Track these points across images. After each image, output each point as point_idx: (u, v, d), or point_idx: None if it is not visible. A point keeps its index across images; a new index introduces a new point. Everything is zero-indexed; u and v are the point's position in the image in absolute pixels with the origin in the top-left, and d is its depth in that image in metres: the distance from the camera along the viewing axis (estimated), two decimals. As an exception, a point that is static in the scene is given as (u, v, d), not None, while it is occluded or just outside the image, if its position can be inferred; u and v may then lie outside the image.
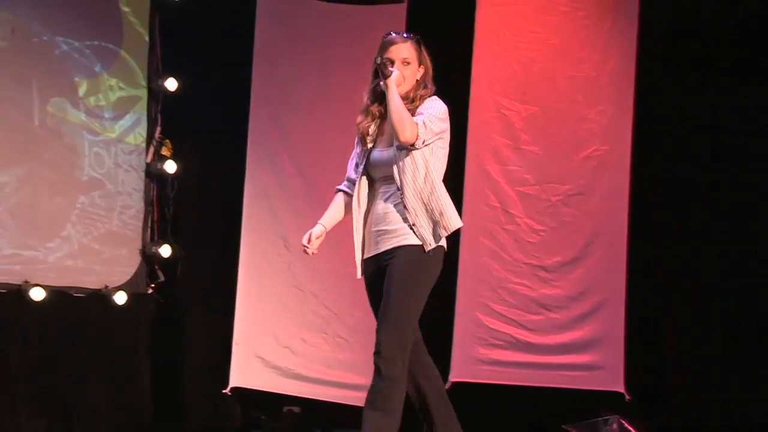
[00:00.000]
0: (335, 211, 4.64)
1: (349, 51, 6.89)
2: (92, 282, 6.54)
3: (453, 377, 6.82)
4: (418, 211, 4.45)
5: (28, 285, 6.26)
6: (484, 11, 7.01)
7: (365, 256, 4.54)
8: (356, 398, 6.66)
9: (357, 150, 4.63)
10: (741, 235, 6.90)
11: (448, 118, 4.62)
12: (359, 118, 4.60)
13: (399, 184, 4.44)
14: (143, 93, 6.84)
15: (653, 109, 6.99)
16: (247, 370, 6.73)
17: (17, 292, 6.25)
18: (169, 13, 6.88)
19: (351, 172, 4.64)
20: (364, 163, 4.56)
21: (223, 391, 6.71)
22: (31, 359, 6.32)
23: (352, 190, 4.59)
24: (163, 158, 6.82)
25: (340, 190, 4.68)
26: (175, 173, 6.82)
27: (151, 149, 6.83)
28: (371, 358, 6.34)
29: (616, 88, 7.01)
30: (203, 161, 6.94)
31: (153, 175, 6.81)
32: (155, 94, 6.84)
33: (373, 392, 4.39)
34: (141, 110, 6.83)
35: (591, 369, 6.86)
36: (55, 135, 6.47)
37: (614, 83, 7.01)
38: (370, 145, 4.57)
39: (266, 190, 6.87)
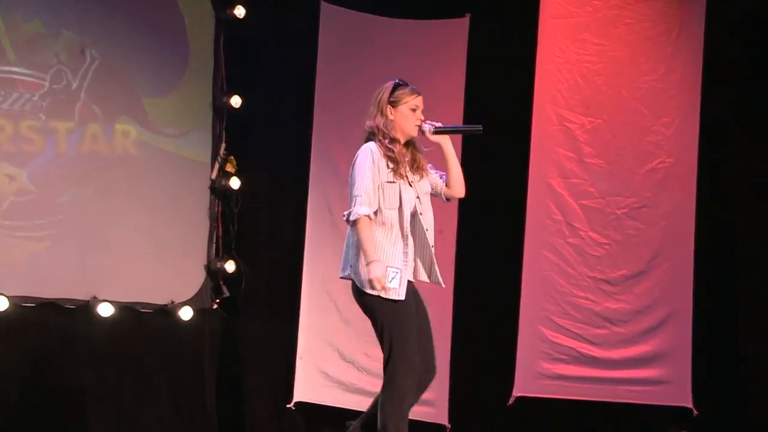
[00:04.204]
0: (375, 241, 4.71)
1: (412, 65, 6.90)
2: (158, 297, 6.61)
3: (516, 392, 6.79)
4: (434, 253, 4.77)
5: (96, 300, 6.36)
6: (547, 24, 6.98)
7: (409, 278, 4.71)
8: (420, 413, 6.65)
9: (386, 178, 4.67)
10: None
11: None
12: (393, 147, 4.69)
13: (429, 223, 4.74)
14: (208, 109, 6.91)
15: (720, 120, 6.91)
16: (311, 384, 6.76)
17: (85, 308, 6.35)
18: (233, 29, 6.95)
19: (377, 200, 4.67)
20: (399, 192, 4.68)
21: (287, 406, 6.75)
22: (98, 374, 6.40)
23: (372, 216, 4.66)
24: (228, 174, 6.88)
25: (368, 216, 4.66)
26: (239, 189, 6.88)
27: (216, 165, 6.89)
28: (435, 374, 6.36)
29: (682, 99, 6.95)
30: (267, 177, 6.98)
31: (217, 191, 6.87)
32: (219, 110, 6.91)
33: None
34: (206, 126, 6.91)
35: (658, 384, 6.79)
36: (120, 153, 6.58)
37: (680, 94, 6.95)
38: (399, 180, 4.69)
39: (329, 205, 6.90)
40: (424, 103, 4.78)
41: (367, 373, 6.78)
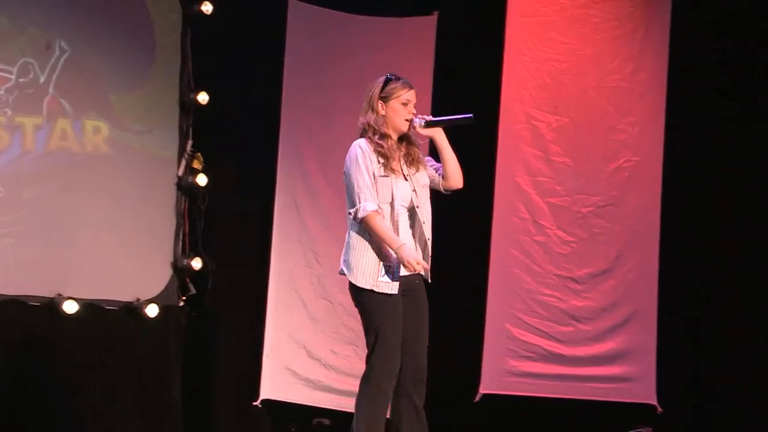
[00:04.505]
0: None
1: (379, 63, 6.89)
2: (124, 295, 6.58)
3: (483, 389, 6.82)
4: (431, 246, 4.78)
5: (61, 298, 6.32)
6: (514, 22, 7.01)
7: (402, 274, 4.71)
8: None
9: (378, 172, 4.69)
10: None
11: None
12: (383, 143, 4.71)
13: (425, 217, 4.75)
14: (175, 106, 6.88)
15: (685, 119, 6.96)
16: (278, 382, 6.76)
17: (49, 305, 6.31)
18: (201, 26, 6.92)
19: (377, 196, 4.68)
20: (398, 189, 4.71)
21: (254, 403, 6.74)
22: (62, 372, 6.37)
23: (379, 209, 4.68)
24: (194, 171, 6.85)
25: (376, 211, 4.66)
26: (206, 186, 6.85)
27: (182, 162, 6.86)
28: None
29: (648, 98, 7.00)
30: (234, 174, 6.97)
31: (184, 188, 6.84)
32: (186, 107, 6.87)
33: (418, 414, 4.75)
34: (172, 123, 6.88)
35: (622, 381, 6.84)
36: (91, 150, 6.53)
37: (646, 94, 7.00)
38: (391, 174, 4.71)
39: (296, 203, 6.90)
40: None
41: (334, 371, 6.79)
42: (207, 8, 6.87)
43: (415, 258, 4.61)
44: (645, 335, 6.82)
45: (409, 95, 4.76)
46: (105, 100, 6.60)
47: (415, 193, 4.74)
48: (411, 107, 4.76)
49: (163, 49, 6.84)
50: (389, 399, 4.67)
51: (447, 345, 6.95)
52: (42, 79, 6.42)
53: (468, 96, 6.96)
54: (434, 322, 6.91)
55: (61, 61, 6.46)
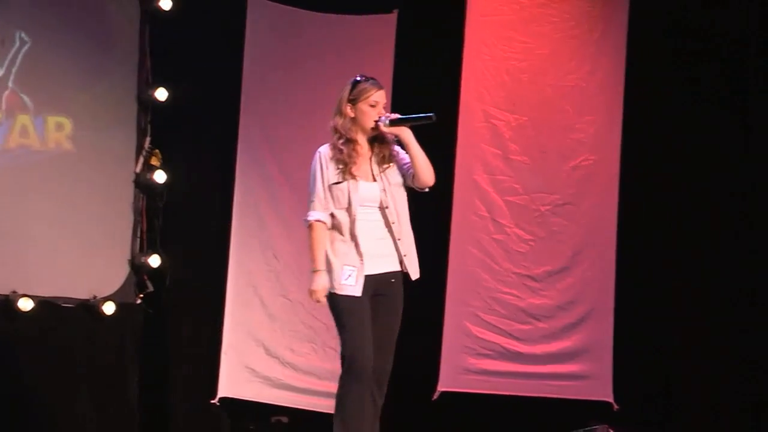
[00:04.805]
0: (325, 248, 4.77)
1: (339, 61, 6.91)
2: (80, 292, 6.53)
3: (441, 387, 6.84)
4: (409, 244, 4.80)
5: (16, 295, 6.26)
6: (473, 21, 7.03)
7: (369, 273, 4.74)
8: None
9: (337, 180, 4.74)
10: (732, 242, 6.91)
11: None
12: (342, 149, 4.75)
13: (395, 217, 4.76)
14: (133, 102, 6.84)
15: (642, 118, 7.01)
16: (236, 380, 6.73)
17: (4, 302, 6.25)
18: (159, 23, 6.87)
19: (328, 202, 4.75)
20: (356, 193, 4.73)
21: (211, 401, 6.71)
22: (17, 370, 6.31)
23: (329, 220, 4.75)
24: (153, 168, 6.82)
25: (320, 222, 4.77)
26: (164, 183, 6.82)
27: (140, 159, 6.82)
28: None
29: (605, 98, 7.04)
30: (192, 171, 6.93)
31: (142, 185, 6.80)
32: (144, 103, 6.83)
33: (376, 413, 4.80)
34: (131, 119, 6.83)
35: (579, 378, 6.89)
36: (53, 148, 6.46)
37: (603, 93, 7.04)
38: (349, 180, 4.74)
39: (255, 201, 6.88)
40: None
41: (292, 369, 6.79)
42: (165, 4, 6.83)
43: (314, 290, 4.70)
44: (602, 333, 6.86)
45: (377, 96, 4.77)
46: (68, 95, 6.50)
47: (385, 192, 4.76)
48: (380, 108, 4.77)
49: (121, 45, 6.79)
50: (363, 399, 4.70)
51: (406, 342, 6.96)
52: (1, 73, 6.31)
53: (428, 94, 6.98)
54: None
55: (21, 53, 6.34)
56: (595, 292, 6.92)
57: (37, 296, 6.32)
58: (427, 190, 4.86)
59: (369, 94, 4.76)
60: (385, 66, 6.96)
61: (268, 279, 6.84)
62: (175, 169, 6.85)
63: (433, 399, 6.85)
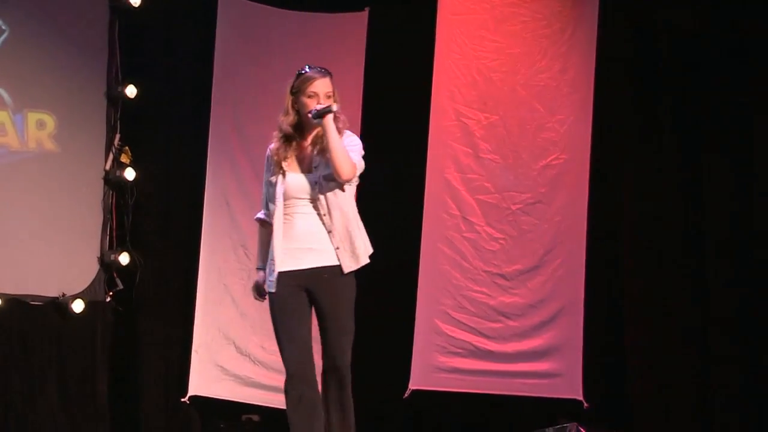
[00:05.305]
0: (267, 247, 4.79)
1: (310, 59, 6.82)
2: (49, 290, 6.48)
3: (412, 385, 6.83)
4: (342, 236, 4.69)
5: (-17, 293, 6.23)
6: (444, 20, 7.03)
7: (282, 270, 4.68)
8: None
9: (270, 176, 4.76)
10: (702, 240, 6.95)
11: None
12: (276, 146, 4.75)
13: (326, 208, 4.68)
14: (102, 98, 6.78)
15: (612, 117, 7.04)
16: (206, 378, 6.71)
17: (-28, 300, 6.21)
18: (128, 19, 6.83)
19: (268, 199, 4.79)
20: (281, 186, 4.71)
21: (182, 399, 6.68)
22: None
23: (270, 218, 4.77)
24: (122, 165, 6.78)
25: (261, 220, 4.85)
26: (134, 180, 6.78)
27: (110, 156, 6.78)
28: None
29: (576, 97, 7.06)
30: (163, 168, 6.90)
31: (111, 182, 6.77)
32: (113, 100, 6.79)
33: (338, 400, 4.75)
34: (100, 116, 6.78)
35: (549, 377, 6.90)
36: (34, 148, 6.38)
37: (574, 92, 7.06)
38: (285, 168, 4.72)
39: (226, 198, 6.86)
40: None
41: (263, 366, 6.76)
42: (135, 0, 6.78)
43: (253, 290, 4.84)
44: (572, 331, 6.87)
45: (314, 87, 4.67)
46: (50, 89, 6.35)
47: (317, 184, 4.68)
48: (321, 97, 4.67)
49: (90, 40, 6.74)
50: (292, 399, 4.68)
51: (377, 340, 6.98)
52: None
53: (399, 92, 6.99)
54: (364, 317, 6.97)
55: (1, 40, 6.23)
56: (566, 291, 6.93)
57: (5, 294, 6.28)
58: (350, 184, 4.71)
59: (306, 85, 4.68)
60: (356, 64, 6.97)
61: (240, 276, 6.81)
62: (145, 166, 6.82)
63: (404, 397, 6.84)
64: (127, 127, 6.84)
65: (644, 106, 7.06)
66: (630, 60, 7.09)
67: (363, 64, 6.98)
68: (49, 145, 6.43)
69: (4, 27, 6.18)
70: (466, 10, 7.09)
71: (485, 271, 6.98)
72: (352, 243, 4.71)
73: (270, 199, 4.75)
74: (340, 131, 4.68)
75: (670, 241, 6.98)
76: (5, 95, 6.24)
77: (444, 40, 7.03)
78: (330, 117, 4.62)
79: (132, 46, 6.87)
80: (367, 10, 7.05)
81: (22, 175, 6.42)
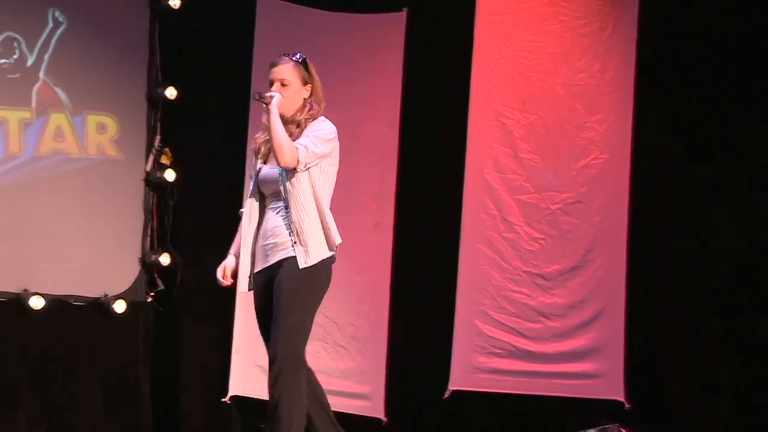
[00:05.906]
0: (242, 235, 4.85)
1: (349, 59, 6.91)
2: (91, 290, 6.52)
3: (452, 386, 6.82)
4: (302, 229, 4.63)
5: (28, 293, 6.25)
6: (483, 20, 7.02)
7: (255, 270, 4.77)
8: (356, 407, 6.67)
9: (252, 169, 4.84)
10: (745, 241, 6.89)
11: (335, 137, 4.75)
12: (257, 134, 4.79)
13: (286, 201, 4.63)
14: (143, 100, 6.82)
15: (653, 116, 7.00)
16: (247, 378, 6.72)
17: (16, 301, 6.24)
18: (169, 21, 6.87)
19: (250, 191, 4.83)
20: (255, 179, 4.75)
21: (223, 400, 6.71)
22: (29, 368, 6.30)
23: (247, 208, 4.81)
24: (163, 166, 6.82)
25: (242, 212, 4.88)
26: (174, 181, 6.82)
27: (151, 158, 6.82)
28: (371, 367, 6.35)
29: (616, 96, 7.02)
30: (203, 169, 6.94)
31: (152, 183, 6.81)
32: (154, 102, 6.83)
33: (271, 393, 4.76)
34: (141, 118, 6.82)
35: (590, 377, 6.87)
36: (94, 154, 6.42)
37: (614, 91, 7.02)
38: (261, 162, 4.76)
39: (265, 198, 6.87)
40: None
41: (303, 367, 6.76)
42: (175, 2, 6.82)
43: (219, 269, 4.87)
44: (613, 332, 6.84)
45: (271, 74, 4.74)
46: (110, 89, 6.00)
47: (284, 176, 4.66)
48: (277, 85, 4.69)
49: (131, 43, 6.78)
50: (282, 391, 4.74)
51: (417, 341, 6.99)
52: (31, 61, 5.85)
53: (438, 92, 6.99)
54: (405, 317, 6.98)
55: (56, 37, 5.73)
56: (607, 291, 6.89)
57: (49, 294, 6.31)
58: (298, 171, 4.61)
59: (269, 71, 4.74)
60: (395, 64, 6.97)
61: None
62: (186, 168, 6.85)
63: (445, 398, 6.83)
64: (168, 128, 6.88)
65: (686, 103, 7.00)
66: (671, 57, 7.03)
67: (402, 64, 6.98)
68: (111, 150, 6.39)
69: (62, 19, 5.74)
70: (505, 9, 7.08)
71: (525, 272, 6.96)
72: (304, 237, 4.64)
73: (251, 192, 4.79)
74: (310, 119, 4.67)
75: (719, 239, 6.91)
76: (63, 95, 5.92)
77: (482, 40, 7.02)
78: (273, 104, 4.59)
79: (172, 48, 6.90)
80: (405, 10, 7.04)
81: (66, 178, 6.45)
